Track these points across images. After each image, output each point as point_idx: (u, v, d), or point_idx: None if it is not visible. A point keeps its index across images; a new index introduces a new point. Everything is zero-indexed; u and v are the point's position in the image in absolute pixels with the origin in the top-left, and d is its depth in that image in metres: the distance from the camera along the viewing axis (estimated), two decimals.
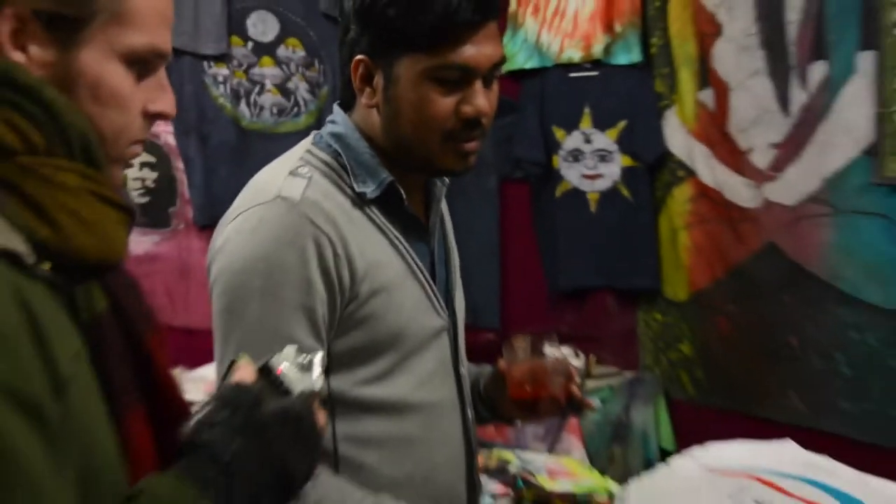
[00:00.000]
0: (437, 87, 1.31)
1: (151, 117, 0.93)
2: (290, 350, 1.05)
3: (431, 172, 1.43)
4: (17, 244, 0.78)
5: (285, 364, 1.03)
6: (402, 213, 1.39)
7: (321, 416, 1.04)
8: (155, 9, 0.89)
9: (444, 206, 1.57)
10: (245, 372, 1.01)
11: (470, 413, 1.50)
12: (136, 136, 0.93)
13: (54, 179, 0.82)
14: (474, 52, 1.30)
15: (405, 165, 1.39)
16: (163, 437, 0.89)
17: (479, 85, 1.32)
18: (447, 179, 1.50)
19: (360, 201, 1.35)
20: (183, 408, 0.92)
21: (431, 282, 1.42)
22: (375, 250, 1.34)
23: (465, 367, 1.52)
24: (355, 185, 1.35)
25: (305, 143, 1.42)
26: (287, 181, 1.32)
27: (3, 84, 0.81)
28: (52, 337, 0.79)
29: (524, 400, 1.51)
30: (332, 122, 1.42)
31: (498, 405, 1.58)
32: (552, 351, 1.51)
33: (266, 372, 1.02)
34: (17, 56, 0.83)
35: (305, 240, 1.27)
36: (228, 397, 0.95)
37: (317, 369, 1.06)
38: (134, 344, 0.88)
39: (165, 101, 0.93)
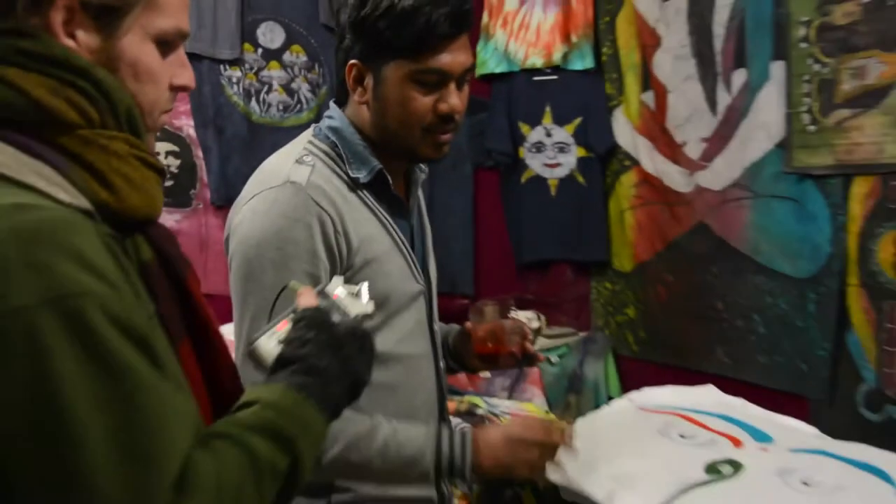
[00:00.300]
0: (418, 87, 1.34)
1: (175, 89, 0.94)
2: (337, 280, 1.09)
3: (412, 159, 1.46)
4: (87, 205, 0.80)
5: (340, 290, 1.07)
6: (389, 195, 1.42)
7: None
8: None
9: (422, 192, 1.60)
10: (308, 297, 1.04)
11: (441, 364, 1.52)
12: (165, 107, 0.94)
13: (109, 148, 0.83)
14: (449, 59, 1.34)
15: (390, 154, 1.41)
16: (205, 362, 0.90)
17: (453, 86, 1.36)
18: (425, 167, 1.53)
19: (354, 185, 1.38)
20: (218, 337, 0.92)
21: (412, 253, 1.45)
22: (367, 227, 1.37)
23: (438, 325, 1.54)
24: (350, 172, 1.38)
25: (306, 134, 1.44)
26: (294, 168, 1.35)
27: (63, 67, 0.81)
28: (135, 282, 0.81)
29: (486, 354, 1.55)
30: (330, 117, 1.44)
31: (464, 358, 1.62)
32: (510, 314, 1.55)
33: (324, 297, 1.06)
34: (68, 42, 0.83)
35: (311, 218, 1.30)
36: (313, 319, 0.98)
37: (365, 296, 1.10)
38: (178, 285, 0.88)
39: (186, 76, 0.94)
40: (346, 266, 1.33)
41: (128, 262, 0.83)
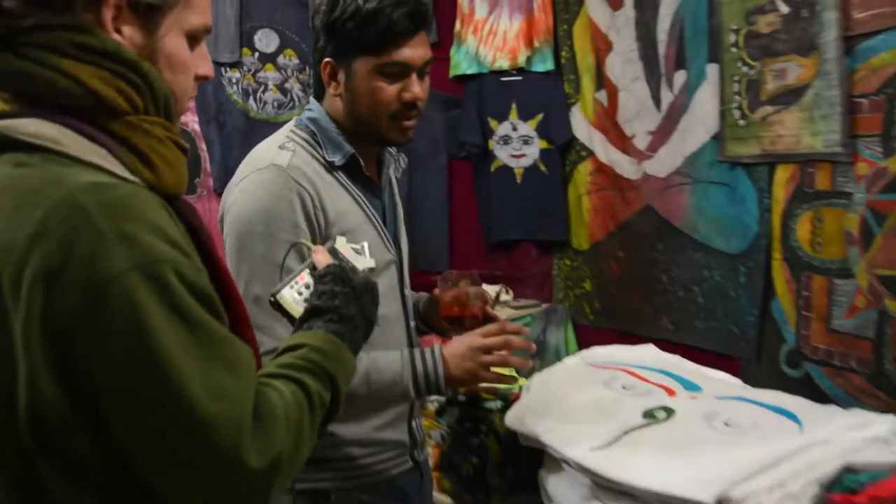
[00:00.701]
0: (384, 79, 1.39)
1: (198, 79, 0.95)
2: (341, 239, 1.14)
3: (381, 143, 1.49)
4: (139, 181, 0.83)
5: (346, 247, 1.12)
6: (361, 176, 1.46)
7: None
8: None
9: (393, 174, 1.63)
10: (323, 255, 1.10)
11: (412, 324, 1.57)
12: (192, 94, 0.96)
13: (151, 132, 0.85)
14: (410, 52, 1.39)
15: (362, 139, 1.45)
16: (230, 320, 0.91)
17: (414, 77, 1.41)
18: (394, 151, 1.57)
19: (330, 167, 1.42)
20: (239, 298, 0.94)
21: (383, 226, 1.48)
22: (342, 203, 1.41)
23: (409, 291, 1.58)
24: (326, 156, 1.42)
25: (289, 125, 1.48)
26: (277, 153, 1.39)
27: (114, 60, 0.83)
28: (191, 246, 0.84)
29: (452, 317, 1.59)
30: (309, 109, 1.47)
31: (432, 321, 1.66)
32: (471, 282, 1.59)
33: (334, 253, 1.11)
34: (116, 37, 0.84)
35: (292, 195, 1.34)
36: (339, 275, 1.05)
37: (367, 252, 1.16)
38: (205, 253, 0.89)
39: (208, 67, 0.96)
40: (325, 237, 1.36)
41: (180, 227, 0.85)
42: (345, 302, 1.02)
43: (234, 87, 3.27)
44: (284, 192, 1.34)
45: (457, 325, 1.62)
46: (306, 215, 1.35)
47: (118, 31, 0.85)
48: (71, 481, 0.81)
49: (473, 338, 1.40)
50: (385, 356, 1.38)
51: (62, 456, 0.80)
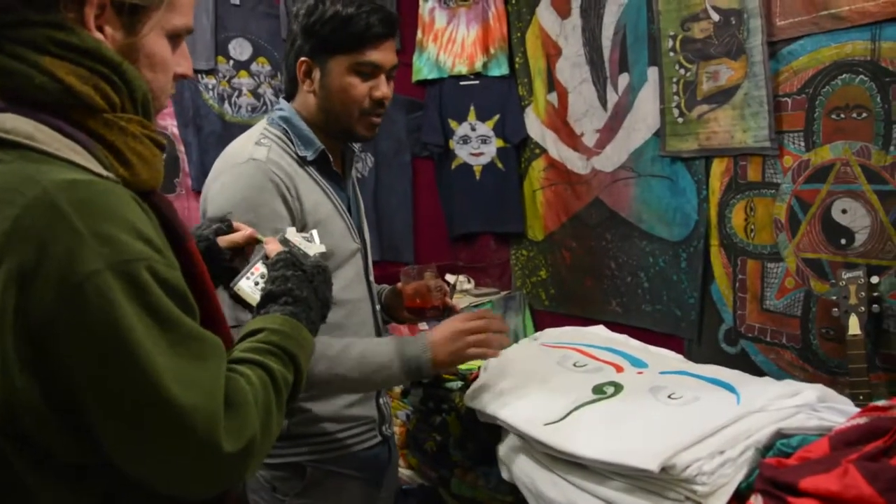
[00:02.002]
0: (357, 77, 1.40)
1: (178, 77, 0.92)
2: (291, 230, 1.13)
3: (349, 138, 1.48)
4: (114, 177, 0.79)
5: (295, 236, 1.11)
6: (330, 170, 1.46)
7: None
8: None
9: (355, 169, 1.65)
10: (274, 245, 1.08)
11: (377, 308, 1.57)
12: (170, 92, 0.92)
13: (127, 129, 0.81)
14: (381, 55, 1.40)
15: (331, 135, 1.45)
16: (203, 311, 0.88)
17: (383, 78, 1.42)
18: (356, 148, 1.59)
19: (302, 162, 1.42)
20: (212, 290, 0.91)
21: (349, 218, 1.49)
22: (314, 195, 1.40)
23: (373, 277, 1.58)
24: (298, 151, 1.41)
25: (261, 124, 1.47)
26: (254, 148, 1.38)
27: (93, 58, 0.79)
28: (164, 240, 0.81)
29: (414, 308, 1.58)
30: (280, 109, 1.46)
31: (394, 311, 1.66)
32: (431, 276, 1.58)
33: (284, 242, 1.10)
34: (97, 35, 0.81)
35: (272, 186, 1.33)
36: (289, 260, 1.03)
37: (317, 239, 1.15)
38: (180, 246, 0.86)
39: (187, 65, 0.93)
40: (302, 225, 1.36)
41: (151, 217, 0.82)
42: (297, 284, 1.00)
43: (211, 92, 3.21)
44: (264, 183, 1.34)
45: (418, 316, 1.62)
46: (286, 204, 1.35)
47: (100, 29, 0.81)
48: (46, 477, 0.77)
49: (456, 323, 1.38)
50: (378, 343, 1.38)
51: (37, 452, 0.76)
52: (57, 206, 0.72)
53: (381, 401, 1.56)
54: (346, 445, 1.48)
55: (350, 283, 1.47)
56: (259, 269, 1.07)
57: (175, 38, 0.88)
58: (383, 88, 1.42)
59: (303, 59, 1.42)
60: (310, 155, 1.42)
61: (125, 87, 0.82)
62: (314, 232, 1.19)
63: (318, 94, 1.43)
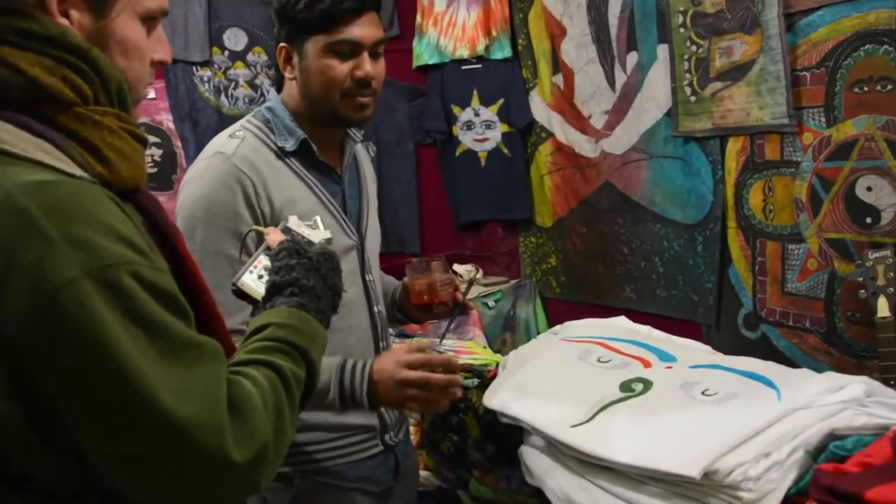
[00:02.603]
0: (335, 57, 1.31)
1: (155, 64, 0.86)
2: (293, 218, 1.08)
3: (337, 123, 1.38)
4: (89, 177, 0.73)
5: (298, 225, 1.06)
6: (317, 162, 1.37)
7: None
8: None
9: (365, 160, 1.54)
10: (276, 234, 1.03)
11: (377, 309, 1.45)
12: (148, 81, 0.86)
13: (102, 123, 0.75)
14: (359, 31, 1.30)
15: (319, 122, 1.36)
16: (196, 312, 0.82)
17: (366, 55, 1.32)
18: (357, 136, 1.47)
19: (282, 154, 1.33)
20: (206, 290, 0.86)
21: (342, 212, 1.39)
22: (292, 191, 1.32)
23: (372, 275, 1.46)
24: (278, 142, 1.33)
25: (248, 115, 1.40)
26: (226, 141, 1.31)
27: (58, 46, 0.73)
28: (148, 240, 0.76)
29: (421, 305, 1.48)
30: (268, 100, 1.40)
31: (406, 309, 1.56)
32: (440, 268, 1.49)
33: (286, 231, 1.05)
34: (62, 21, 0.75)
35: (234, 182, 1.25)
36: (293, 248, 0.97)
37: (320, 225, 1.10)
38: (170, 247, 0.81)
39: (165, 51, 0.87)
40: (272, 223, 1.26)
41: (134, 217, 0.76)
42: (303, 273, 0.94)
43: (206, 85, 3.14)
44: (225, 178, 1.26)
45: (426, 313, 1.53)
46: (248, 203, 1.26)
47: (65, 14, 0.75)
48: (29, 500, 0.71)
49: (398, 368, 1.25)
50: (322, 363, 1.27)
51: (18, 475, 0.70)
52: (24, 210, 0.66)
53: (381, 408, 1.43)
54: (338, 455, 1.38)
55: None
56: (262, 261, 1.01)
57: (149, 21, 0.82)
58: (366, 67, 1.32)
59: (281, 45, 1.34)
60: (289, 146, 1.34)
61: (97, 76, 0.76)
62: (317, 218, 1.13)
63: (298, 80, 1.34)
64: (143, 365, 0.67)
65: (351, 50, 1.30)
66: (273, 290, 0.93)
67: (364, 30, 1.31)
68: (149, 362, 0.67)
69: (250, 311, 1.00)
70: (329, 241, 1.08)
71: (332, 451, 1.37)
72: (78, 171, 0.71)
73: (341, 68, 1.30)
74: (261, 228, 1.13)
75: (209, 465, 0.69)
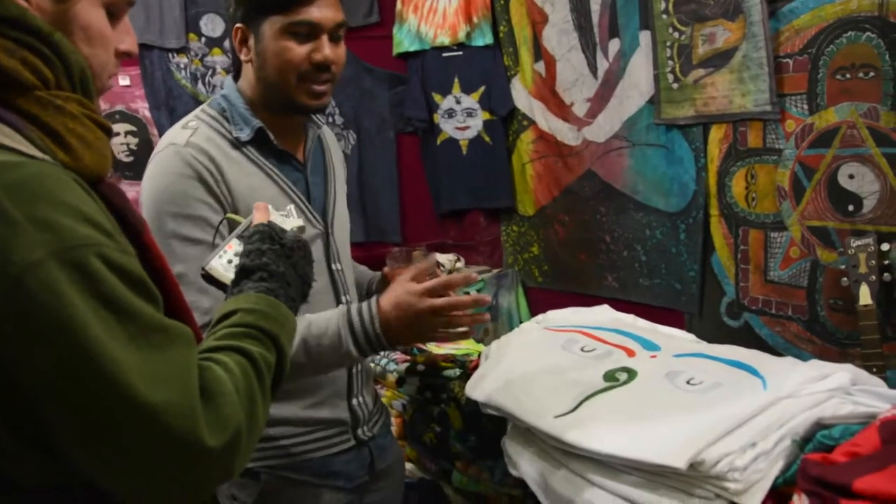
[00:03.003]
0: (292, 39, 1.26)
1: (120, 55, 0.84)
2: (269, 207, 1.06)
3: (293, 109, 1.33)
4: (52, 160, 0.70)
5: (272, 213, 1.05)
6: (275, 149, 1.33)
7: None
8: None
9: (332, 144, 1.50)
10: (262, 214, 1.02)
11: (346, 298, 1.40)
12: (112, 71, 0.83)
13: (64, 109, 0.73)
14: (318, 13, 1.26)
15: (275, 108, 1.32)
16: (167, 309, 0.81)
17: (325, 39, 1.27)
18: (320, 122, 1.44)
19: (238, 143, 1.29)
20: (174, 283, 0.84)
21: (305, 200, 1.35)
22: (249, 180, 1.28)
23: (342, 264, 1.41)
24: (233, 131, 1.29)
25: (203, 105, 1.36)
26: (178, 133, 1.27)
27: (18, 28, 0.71)
28: (114, 224, 0.73)
29: None
30: (223, 88, 1.35)
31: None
32: (421, 257, 1.44)
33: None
34: (21, 3, 0.72)
35: (191, 171, 1.22)
36: (266, 233, 0.95)
37: (294, 213, 1.09)
38: (136, 238, 0.79)
39: (130, 42, 0.84)
40: (234, 211, 1.24)
41: (103, 207, 0.74)
42: (273, 258, 0.92)
43: (183, 72, 3.08)
44: (182, 168, 1.22)
45: None
46: (210, 191, 1.23)
47: (28, 3, 0.73)
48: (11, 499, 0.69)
49: (417, 298, 1.18)
50: (319, 319, 1.23)
51: None
52: None
53: (355, 401, 1.40)
54: (307, 451, 1.34)
55: None
56: (233, 246, 1.01)
57: (114, 10, 0.80)
58: (325, 50, 1.27)
59: (237, 25, 1.30)
60: (244, 135, 1.29)
61: (59, 61, 0.73)
62: (291, 207, 1.10)
63: (254, 63, 1.30)
64: (113, 348, 0.65)
65: (309, 32, 1.26)
66: (242, 273, 0.92)
67: (324, 11, 1.26)
68: (118, 346, 0.65)
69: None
70: (302, 229, 1.06)
71: (300, 445, 1.33)
72: (39, 154, 0.69)
73: (299, 51, 1.26)
74: (237, 217, 1.11)
75: (182, 450, 0.67)
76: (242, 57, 1.31)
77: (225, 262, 0.99)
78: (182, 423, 0.67)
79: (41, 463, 0.69)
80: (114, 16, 0.81)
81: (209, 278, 0.99)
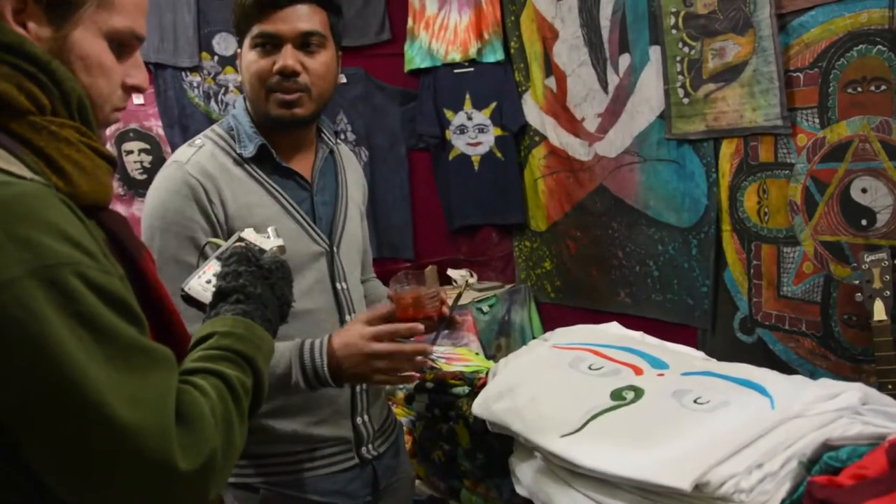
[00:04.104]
0: (258, 51, 1.28)
1: (129, 89, 0.85)
2: (248, 230, 1.08)
3: (272, 122, 1.32)
4: (45, 182, 0.72)
5: (248, 232, 1.07)
6: (279, 167, 1.33)
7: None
8: (133, 0, 0.82)
9: (349, 163, 1.50)
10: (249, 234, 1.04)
11: (350, 317, 1.38)
12: (117, 104, 0.84)
13: (59, 134, 0.74)
14: (279, 23, 1.27)
15: (267, 125, 1.32)
16: (160, 332, 0.83)
17: (288, 48, 1.28)
18: (330, 139, 1.43)
19: (241, 161, 1.30)
20: (172, 309, 0.86)
21: (308, 218, 1.35)
22: (249, 197, 1.29)
23: (348, 283, 1.40)
24: (237, 149, 1.31)
25: (214, 125, 1.38)
26: (183, 150, 1.30)
27: (15, 54, 0.73)
28: (103, 247, 0.74)
29: (406, 319, 1.37)
30: (234, 107, 1.37)
31: (391, 322, 1.45)
32: (431, 278, 1.43)
33: (241, 240, 1.05)
34: (19, 31, 0.74)
35: (186, 189, 1.23)
36: (241, 255, 0.96)
37: (273, 234, 1.09)
38: (133, 267, 0.80)
39: (140, 77, 0.86)
40: (228, 230, 1.25)
41: (94, 231, 0.75)
42: (250, 280, 0.92)
43: (196, 90, 3.11)
44: (179, 186, 1.24)
45: None
46: (202, 210, 1.24)
47: (23, 25, 0.74)
48: None
49: (363, 342, 1.22)
50: (277, 348, 1.21)
51: None
52: None
53: (359, 420, 1.39)
54: (307, 468, 1.33)
55: (308, 292, 1.33)
56: (212, 267, 1.01)
57: (120, 43, 0.81)
58: (285, 59, 1.26)
59: (238, 50, 1.33)
60: (247, 152, 1.30)
61: (55, 88, 0.75)
62: (272, 228, 1.11)
63: (244, 84, 1.33)
64: (89, 367, 0.65)
65: (269, 42, 1.27)
66: (219, 295, 0.92)
67: (286, 23, 1.27)
68: (95, 365, 0.65)
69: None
70: (282, 249, 1.07)
71: (301, 462, 1.33)
72: (29, 174, 0.70)
73: (262, 62, 1.27)
74: (218, 241, 1.12)
75: (154, 472, 0.67)
76: (238, 79, 1.34)
77: (204, 282, 1.00)
78: (155, 444, 0.67)
79: (12, 482, 0.69)
80: (122, 48, 0.82)
81: (188, 299, 1.00)
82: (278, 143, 1.33)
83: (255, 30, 1.27)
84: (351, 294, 1.42)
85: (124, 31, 0.81)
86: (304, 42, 1.29)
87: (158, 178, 1.28)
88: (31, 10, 0.74)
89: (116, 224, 0.80)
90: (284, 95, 1.28)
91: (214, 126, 1.36)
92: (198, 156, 1.28)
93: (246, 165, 1.31)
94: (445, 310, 1.43)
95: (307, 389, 1.23)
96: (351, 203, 1.48)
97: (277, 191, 1.32)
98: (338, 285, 1.38)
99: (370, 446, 1.41)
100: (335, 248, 1.39)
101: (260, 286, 0.92)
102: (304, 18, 1.29)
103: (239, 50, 1.33)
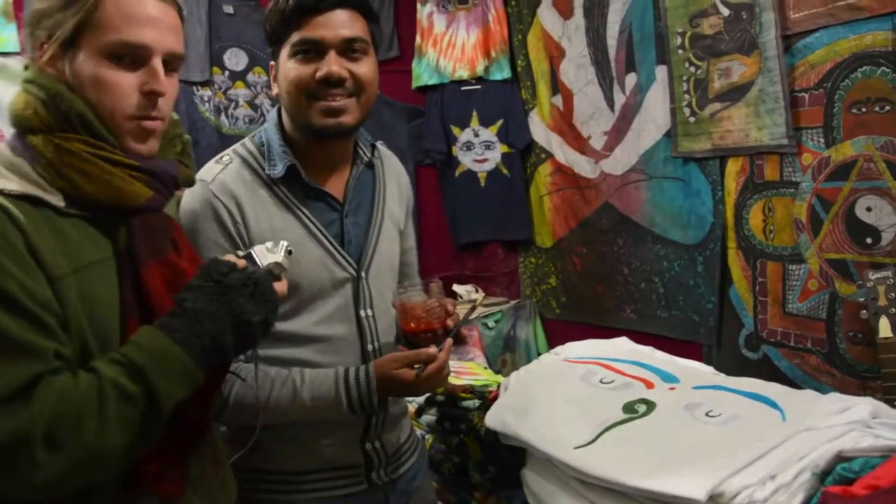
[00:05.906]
0: (298, 60, 1.23)
1: (146, 95, 0.92)
2: (259, 246, 1.08)
3: (314, 133, 1.26)
4: (39, 192, 0.86)
5: (258, 247, 1.07)
6: (308, 188, 1.28)
7: (281, 285, 1.03)
8: (119, 13, 0.89)
9: (391, 180, 1.44)
10: (239, 261, 1.03)
11: (373, 346, 1.33)
12: (131, 113, 0.91)
13: (63, 147, 0.88)
14: (321, 29, 1.22)
15: (304, 139, 1.28)
16: None
17: (332, 55, 1.22)
18: (366, 156, 1.37)
19: (269, 181, 1.25)
20: (163, 314, 0.93)
21: (335, 242, 1.29)
22: (274, 220, 1.24)
23: (374, 310, 1.34)
24: (266, 168, 1.26)
25: (246, 137, 1.33)
26: (210, 168, 1.26)
27: (35, 85, 0.89)
28: (40, 249, 0.83)
29: (408, 333, 1.35)
30: (267, 120, 1.33)
31: (399, 335, 1.45)
32: (436, 290, 1.40)
33: (249, 258, 1.06)
34: (48, 70, 0.90)
35: (209, 209, 1.21)
36: (205, 269, 0.96)
37: (282, 250, 1.07)
38: (135, 271, 0.92)
39: (154, 82, 0.92)
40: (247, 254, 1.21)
41: (50, 237, 0.85)
42: (194, 295, 0.91)
43: (206, 104, 3.14)
44: (202, 206, 1.21)
45: (414, 340, 1.38)
46: (224, 231, 1.22)
47: (53, 65, 0.90)
48: None
49: (405, 376, 1.24)
50: (318, 377, 1.24)
51: None
52: None
53: (369, 445, 1.34)
54: (315, 489, 1.30)
55: (329, 318, 1.28)
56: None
57: (119, 56, 0.90)
58: (327, 67, 1.21)
59: (271, 63, 1.30)
60: (276, 172, 1.25)
61: (55, 108, 0.88)
62: (283, 243, 1.08)
63: (280, 94, 1.27)
64: None
65: (312, 49, 1.22)
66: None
67: (328, 28, 1.22)
68: None
69: None
70: (279, 266, 1.04)
71: (308, 483, 1.30)
72: (12, 187, 0.84)
73: (304, 69, 1.22)
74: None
75: None
76: (274, 91, 1.29)
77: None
78: None
79: None
80: (125, 59, 0.90)
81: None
82: (312, 158, 1.28)
83: (296, 37, 1.22)
84: (376, 322, 1.35)
85: (115, 43, 0.89)
86: (348, 48, 1.24)
87: (185, 198, 1.23)
88: (52, 50, 0.89)
89: (140, 233, 0.91)
90: (330, 102, 1.22)
91: (245, 140, 1.32)
92: (224, 174, 1.24)
93: (273, 186, 1.26)
94: (450, 322, 1.35)
95: (350, 414, 1.25)
96: (387, 221, 1.40)
97: (305, 214, 1.27)
98: (361, 312, 1.32)
99: (381, 472, 1.36)
100: (363, 273, 1.33)
101: (204, 301, 0.91)
102: (347, 25, 1.24)
103: (273, 62, 1.28)
